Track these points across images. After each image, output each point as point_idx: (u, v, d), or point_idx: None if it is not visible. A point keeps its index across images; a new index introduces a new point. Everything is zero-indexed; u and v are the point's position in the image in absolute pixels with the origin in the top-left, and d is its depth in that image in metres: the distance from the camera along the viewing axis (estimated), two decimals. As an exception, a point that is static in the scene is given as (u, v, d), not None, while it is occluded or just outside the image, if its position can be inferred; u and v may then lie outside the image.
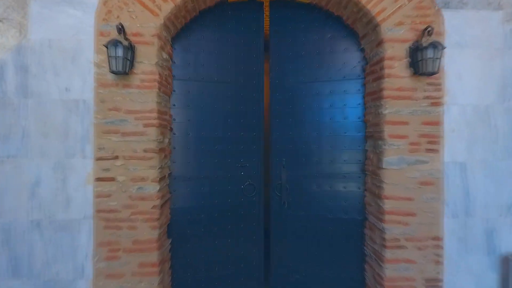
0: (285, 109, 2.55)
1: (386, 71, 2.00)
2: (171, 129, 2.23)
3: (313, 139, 2.44)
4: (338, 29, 2.40)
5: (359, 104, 2.33)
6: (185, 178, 2.30)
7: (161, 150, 2.01)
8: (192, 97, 2.36)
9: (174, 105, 2.27)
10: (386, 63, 2.00)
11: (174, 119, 2.26)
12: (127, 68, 1.86)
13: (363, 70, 2.30)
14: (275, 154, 2.52)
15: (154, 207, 1.93)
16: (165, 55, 2.09)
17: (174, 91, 2.27)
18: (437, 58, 1.84)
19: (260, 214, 2.55)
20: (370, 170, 2.21)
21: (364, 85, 2.30)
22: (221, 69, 2.47)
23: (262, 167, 2.54)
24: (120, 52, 1.78)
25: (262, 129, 2.56)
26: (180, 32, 2.27)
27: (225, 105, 2.47)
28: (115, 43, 1.77)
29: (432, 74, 1.88)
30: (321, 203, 2.43)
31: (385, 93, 2.00)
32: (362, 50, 2.29)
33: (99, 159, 1.92)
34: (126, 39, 1.86)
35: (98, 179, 1.92)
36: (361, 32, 2.24)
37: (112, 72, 1.82)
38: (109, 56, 1.79)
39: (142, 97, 1.94)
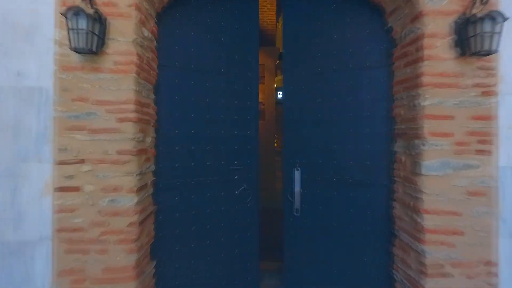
0: (299, 104, 2.18)
1: (426, 52, 1.58)
2: (155, 126, 1.80)
3: (331, 138, 2.04)
4: (359, 7, 1.98)
5: (386, 95, 1.91)
6: (173, 185, 1.89)
7: (141, 151, 1.59)
8: (181, 88, 1.94)
9: (160, 96, 1.85)
10: (426, 41, 1.58)
11: (159, 114, 1.84)
12: (95, 46, 1.43)
13: (390, 54, 1.88)
14: (287, 156, 2.18)
15: (131, 224, 1.51)
16: (147, 33, 1.67)
17: (160, 80, 1.85)
18: (495, 33, 1.43)
19: (254, 223, 2.22)
20: (401, 176, 1.79)
21: (391, 72, 1.89)
22: (213, 58, 2.09)
23: (257, 169, 2.22)
24: (83, 23, 1.35)
25: (257, 126, 2.24)
26: (167, 8, 1.85)
27: (217, 98, 2.08)
28: (76, 11, 1.34)
29: (488, 54, 1.46)
30: (339, 212, 2.04)
31: (425, 80, 1.58)
32: (389, 30, 1.88)
33: (60, 163, 1.49)
34: (93, 7, 1.43)
35: (59, 189, 1.49)
36: (389, 6, 1.82)
37: (74, 50, 1.40)
38: (68, 29, 1.37)
39: (116, 83, 1.51)
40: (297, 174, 2.08)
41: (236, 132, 2.13)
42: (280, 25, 8.79)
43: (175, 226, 1.91)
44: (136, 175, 1.53)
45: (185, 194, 1.94)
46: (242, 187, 2.15)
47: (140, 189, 1.57)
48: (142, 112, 1.61)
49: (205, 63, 2.04)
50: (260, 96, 7.00)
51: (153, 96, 1.78)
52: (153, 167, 1.77)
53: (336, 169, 2.03)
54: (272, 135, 6.72)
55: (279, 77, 13.34)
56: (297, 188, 2.06)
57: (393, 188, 1.87)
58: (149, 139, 1.70)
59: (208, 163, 2.01)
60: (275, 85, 7.07)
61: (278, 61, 8.27)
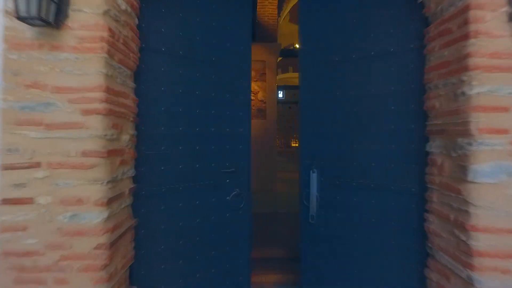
0: (316, 98, 1.89)
1: (473, 27, 1.25)
2: (135, 121, 1.48)
3: (351, 136, 1.73)
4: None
5: (415, 85, 1.59)
6: (157, 193, 1.56)
7: (113, 152, 1.26)
8: (168, 77, 1.63)
9: (143, 86, 1.53)
10: (473, 14, 1.25)
11: (141, 107, 1.51)
12: (52, 16, 1.11)
13: (421, 36, 1.56)
14: (304, 155, 1.91)
15: (99, 246, 1.18)
16: (124, 6, 1.34)
17: (143, 66, 1.53)
18: None
19: (246, 233, 1.94)
20: (437, 182, 1.46)
21: (423, 57, 1.56)
22: (204, 45, 1.78)
23: (250, 171, 1.99)
24: (32, -18, 1.03)
25: (249, 124, 1.99)
26: (152, -21, 1.53)
27: (208, 91, 1.78)
28: (22, -34, 1.02)
29: (559, 26, 1.14)
30: (360, 221, 1.74)
31: (472, 62, 1.25)
32: (420, 6, 1.55)
33: (8, 168, 1.16)
34: (49, -35, 1.11)
35: (6, 202, 1.16)
36: (421, -24, 1.50)
37: (22, 19, 1.07)
38: (13, -9, 1.04)
39: (81, 66, 1.19)
40: (313, 177, 1.79)
41: (228, 130, 1.84)
42: (281, 20, 8.48)
43: (159, 241, 1.59)
44: (107, 182, 1.20)
45: (171, 203, 1.61)
46: (235, 192, 1.87)
47: (112, 200, 1.24)
48: (117, 103, 1.28)
49: (195, 50, 1.74)
50: (261, 94, 6.71)
51: (132, 85, 1.45)
52: (132, 172, 1.44)
53: (357, 172, 1.72)
54: (273, 134, 6.40)
55: (281, 76, 13.03)
56: (313, 192, 1.77)
57: (426, 196, 1.54)
58: (126, 137, 1.37)
59: (197, 165, 1.69)
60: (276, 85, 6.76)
61: (280, 58, 8.00)
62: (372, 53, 1.72)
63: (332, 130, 1.81)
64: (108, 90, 1.21)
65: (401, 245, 1.63)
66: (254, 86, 6.50)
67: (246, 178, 1.95)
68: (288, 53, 8.31)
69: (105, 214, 1.17)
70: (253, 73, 6.53)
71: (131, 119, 1.43)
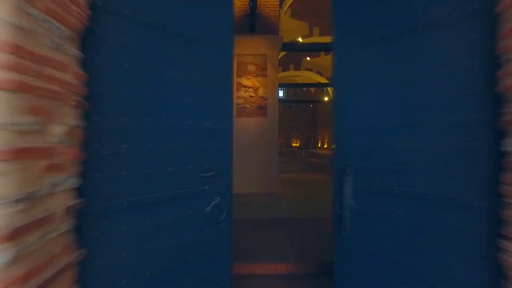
0: (352, 86, 1.50)
1: None
2: (82, 107, 1.02)
3: (393, 132, 1.28)
4: None
5: (481, 60, 1.13)
6: (116, 208, 1.10)
7: (31, 152, 0.80)
8: (133, 50, 1.17)
9: (95, 59, 1.07)
10: None
11: (93, 88, 1.05)
12: None
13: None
14: (339, 155, 1.54)
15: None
16: None
17: (95, 29, 1.07)
18: None
19: (225, 250, 1.55)
20: (521, 196, 1.00)
21: (493, 22, 1.10)
22: (180, 15, 1.36)
23: (232, 175, 1.63)
24: None
25: (231, 117, 1.64)
26: None
27: (184, 74, 1.35)
28: None
29: None
30: (405, 242, 1.30)
31: None
32: None
33: None
34: None
35: None
36: None
37: None
38: None
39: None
40: (347, 181, 1.39)
41: (207, 124, 1.44)
42: (282, 14, 8.01)
43: (119, 274, 1.13)
44: (16, 201, 0.73)
45: (136, 220, 1.16)
46: (215, 201, 1.48)
47: (27, 229, 0.77)
48: (40, 74, 0.82)
49: (170, 20, 1.30)
50: (262, 90, 6.25)
51: (75, 53, 0.99)
52: (73, 182, 0.97)
53: (401, 177, 1.29)
54: (275, 133, 5.93)
55: (281, 74, 12.61)
56: (346, 200, 1.34)
57: (502, 215, 1.08)
58: (59, 130, 0.91)
59: (170, 169, 1.24)
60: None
61: (283, 53, 7.55)
62: (420, 24, 1.27)
63: (369, 124, 1.40)
64: (19, 51, 0.75)
65: (461, 279, 1.17)
66: (255, 81, 6.05)
67: (228, 183, 1.58)
68: (290, 47, 7.85)
69: (9, 254, 0.71)
70: (253, 68, 6.08)
71: (73, 102, 0.96)
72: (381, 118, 1.36)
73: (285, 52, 9.93)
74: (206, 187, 1.44)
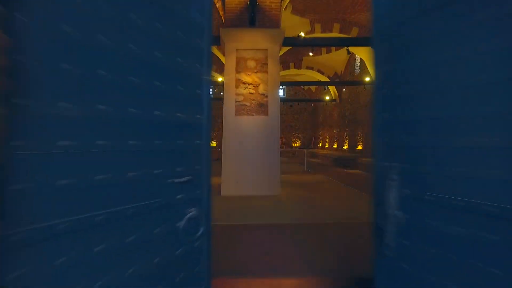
0: (400, 67, 1.17)
1: None
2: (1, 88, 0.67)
3: (447, 126, 0.94)
4: None
5: None
6: (45, 233, 0.75)
7: None
8: (78, 9, 0.82)
9: (25, 17, 0.72)
10: None
11: (21, 60, 0.71)
12: None
13: None
14: (380, 157, 1.24)
15: None
16: None
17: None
18: None
19: (203, 274, 1.26)
20: None
21: None
22: None
23: (210, 179, 1.31)
24: None
25: (210, 108, 1.29)
26: None
27: (151, 49, 0.99)
28: None
29: None
30: (464, 261, 0.95)
31: None
32: None
33: None
34: None
35: None
36: None
37: None
38: None
39: None
40: (392, 187, 1.04)
41: (179, 115, 1.09)
42: (283, 9, 7.66)
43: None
44: None
45: (80, 248, 0.81)
46: (190, 214, 1.15)
47: None
48: None
49: None
50: (262, 87, 5.89)
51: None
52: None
53: (459, 183, 0.92)
54: (277, 132, 5.58)
55: (282, 73, 12.27)
56: (391, 210, 1.03)
57: None
58: None
59: (130, 174, 0.89)
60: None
61: (286, 49, 7.19)
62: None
63: (418, 116, 1.06)
64: None
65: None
66: (255, 78, 5.71)
67: (206, 190, 1.25)
68: (292, 42, 7.51)
69: None
70: (253, 64, 5.74)
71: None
72: (430, 110, 1.01)
73: (287, 49, 9.60)
74: (179, 196, 1.10)
